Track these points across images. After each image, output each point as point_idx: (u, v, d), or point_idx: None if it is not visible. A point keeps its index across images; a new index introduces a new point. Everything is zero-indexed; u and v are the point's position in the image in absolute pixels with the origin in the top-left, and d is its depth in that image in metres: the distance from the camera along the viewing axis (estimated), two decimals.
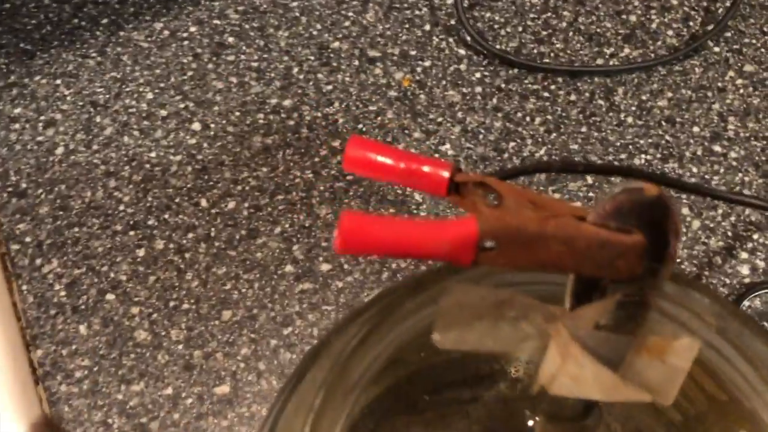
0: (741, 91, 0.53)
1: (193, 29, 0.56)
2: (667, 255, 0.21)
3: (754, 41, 0.56)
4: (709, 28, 0.55)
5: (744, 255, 0.47)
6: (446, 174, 0.22)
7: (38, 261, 0.46)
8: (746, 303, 0.45)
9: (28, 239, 0.47)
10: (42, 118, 0.52)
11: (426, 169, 0.22)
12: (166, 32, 0.55)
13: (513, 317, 0.23)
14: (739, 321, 0.25)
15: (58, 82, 0.53)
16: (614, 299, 0.22)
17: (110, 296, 0.45)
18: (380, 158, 0.22)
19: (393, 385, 0.32)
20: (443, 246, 0.19)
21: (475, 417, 0.33)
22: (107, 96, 0.52)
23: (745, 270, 0.46)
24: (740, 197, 0.44)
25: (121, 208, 0.48)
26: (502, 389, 0.32)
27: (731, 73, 0.54)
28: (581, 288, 0.22)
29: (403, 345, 0.24)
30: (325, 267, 0.46)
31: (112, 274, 0.46)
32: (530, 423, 0.26)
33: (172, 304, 0.45)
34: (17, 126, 0.51)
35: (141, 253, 0.46)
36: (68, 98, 0.52)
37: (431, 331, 0.23)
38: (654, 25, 0.56)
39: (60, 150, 0.50)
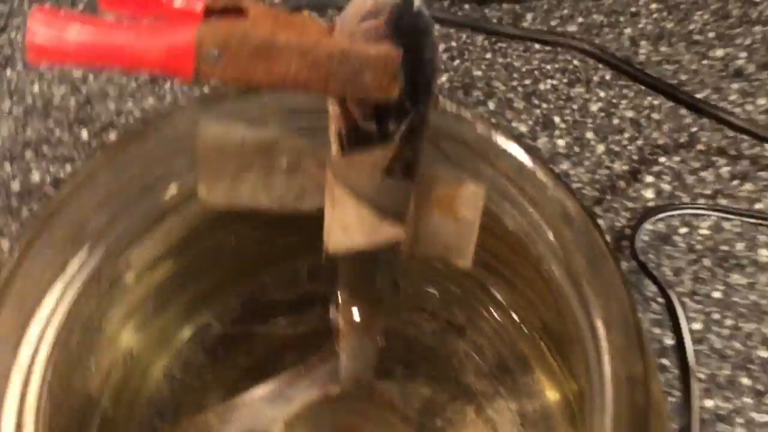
0: (655, 15, 0.51)
1: None
2: (427, 74, 0.18)
3: None
4: None
5: (649, 178, 0.45)
6: (198, 5, 0.19)
7: None
8: (648, 226, 0.43)
9: None
10: None
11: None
12: None
13: (286, 168, 0.20)
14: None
15: None
16: (389, 144, 0.19)
17: None
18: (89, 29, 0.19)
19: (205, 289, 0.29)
20: (156, 54, 0.17)
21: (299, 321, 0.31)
22: None
23: (649, 193, 0.44)
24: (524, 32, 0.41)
25: None
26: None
27: None
28: (351, 126, 0.20)
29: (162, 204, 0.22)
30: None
31: None
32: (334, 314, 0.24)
33: None
34: None
35: (15, 186, 0.44)
36: None
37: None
38: None
39: None
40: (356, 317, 0.22)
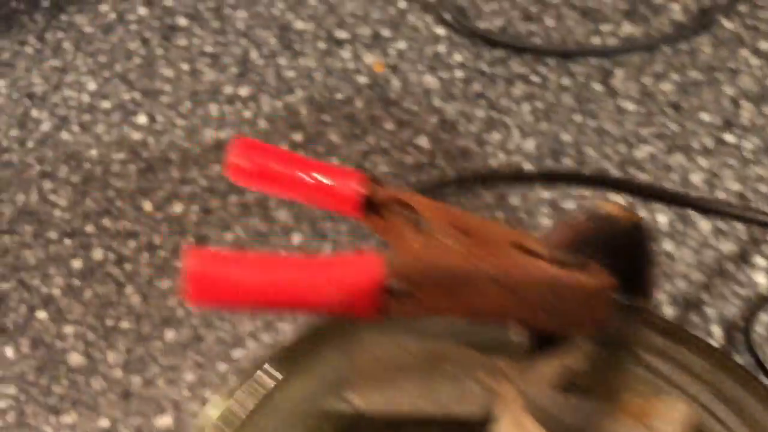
0: (757, 72, 0.47)
1: (142, 11, 0.50)
2: (641, 292, 0.15)
3: None
4: (720, 1, 0.49)
5: (761, 262, 0.41)
6: (357, 189, 0.16)
7: None
8: (764, 317, 0.39)
9: None
10: None
11: (331, 182, 0.16)
12: (113, 15, 0.50)
13: (453, 374, 0.17)
14: (736, 378, 0.20)
15: None
16: (580, 351, 0.16)
17: (42, 314, 0.40)
18: (274, 167, 0.17)
19: None
20: (335, 294, 0.14)
21: None
22: (45, 87, 0.47)
23: (761, 278, 0.41)
24: (729, 208, 0.38)
25: (57, 213, 0.43)
26: None
27: (745, 52, 0.48)
28: (536, 336, 0.17)
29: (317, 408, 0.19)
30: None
31: (44, 289, 0.41)
32: None
33: (109, 322, 0.40)
34: None
35: (77, 264, 0.41)
36: (2, 90, 0.47)
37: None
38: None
39: None
40: None
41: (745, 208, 0.42)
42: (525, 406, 0.17)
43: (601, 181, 0.35)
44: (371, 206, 0.17)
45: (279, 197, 0.16)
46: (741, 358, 0.39)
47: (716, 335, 0.39)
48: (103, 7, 0.50)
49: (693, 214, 0.42)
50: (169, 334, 0.39)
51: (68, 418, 0.38)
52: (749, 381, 0.20)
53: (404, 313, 0.14)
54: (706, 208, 0.42)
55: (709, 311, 0.40)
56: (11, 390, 0.38)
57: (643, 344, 0.19)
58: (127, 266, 0.41)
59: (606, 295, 0.15)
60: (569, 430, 0.18)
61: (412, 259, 0.14)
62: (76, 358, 0.39)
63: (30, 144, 0.45)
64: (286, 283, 0.14)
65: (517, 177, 0.35)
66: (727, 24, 0.49)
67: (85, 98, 0.47)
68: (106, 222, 0.43)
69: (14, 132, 0.46)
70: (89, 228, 0.42)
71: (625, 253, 0.15)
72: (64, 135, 0.45)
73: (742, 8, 0.50)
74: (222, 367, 0.38)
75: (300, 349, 0.20)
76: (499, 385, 0.17)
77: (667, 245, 0.41)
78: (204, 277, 0.13)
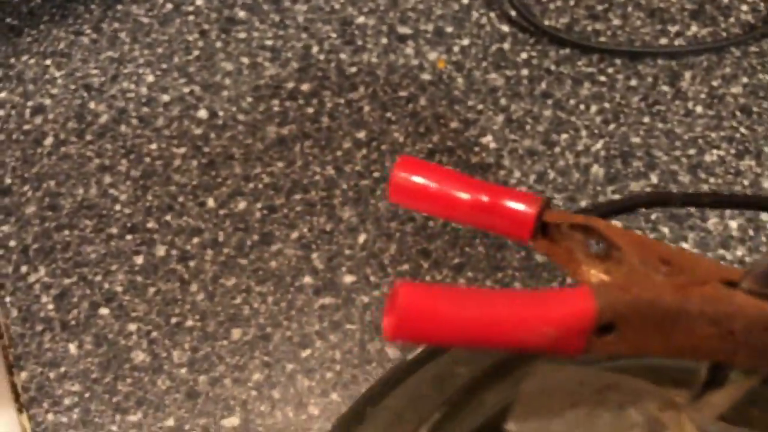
0: None
1: (199, 2, 0.49)
2: None
3: None
4: None
5: None
6: (532, 211, 0.16)
7: (24, 269, 0.41)
8: None
9: (12, 243, 0.41)
10: (29, 103, 0.46)
11: (504, 203, 0.16)
12: (170, 5, 0.49)
13: (617, 403, 0.16)
14: None
15: (48, 62, 0.47)
16: (752, 381, 0.16)
17: (104, 311, 0.40)
18: (439, 188, 0.16)
19: None
20: (543, 331, 0.13)
21: None
22: (102, 78, 0.46)
23: None
24: None
25: (117, 208, 0.42)
26: None
27: None
28: (714, 369, 0.16)
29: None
30: (348, 279, 0.40)
31: (106, 285, 0.40)
32: None
33: (174, 320, 0.39)
34: (1, 113, 0.45)
35: (139, 260, 0.41)
36: (59, 81, 0.46)
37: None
38: (726, 0, 0.49)
39: (49, 140, 0.44)
40: None
41: None
42: None
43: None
44: (543, 229, 0.16)
45: (440, 218, 0.16)
46: None
47: None
48: None
49: (766, 219, 0.42)
50: (236, 333, 0.39)
51: (133, 417, 0.37)
52: None
53: (607, 351, 0.14)
54: None
55: None
56: (76, 387, 0.38)
57: None
58: (191, 263, 0.41)
59: None
60: None
61: (618, 292, 0.14)
62: (140, 356, 0.38)
63: (88, 137, 0.45)
64: (496, 319, 0.13)
65: (688, 201, 0.34)
66: None
67: (144, 90, 0.46)
68: (169, 218, 0.42)
69: (72, 124, 0.45)
70: (151, 224, 0.42)
71: None
72: (123, 128, 0.45)
73: None
74: (289, 366, 0.38)
75: (470, 384, 0.19)
76: (667, 415, 0.17)
77: (739, 250, 0.41)
78: (412, 312, 0.13)
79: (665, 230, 0.41)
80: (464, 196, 0.16)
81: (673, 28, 0.48)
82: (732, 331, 0.14)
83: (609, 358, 0.18)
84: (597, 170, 0.43)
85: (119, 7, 0.49)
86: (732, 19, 0.48)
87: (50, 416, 0.37)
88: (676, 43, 0.47)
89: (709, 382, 0.16)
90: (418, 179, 0.16)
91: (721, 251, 0.41)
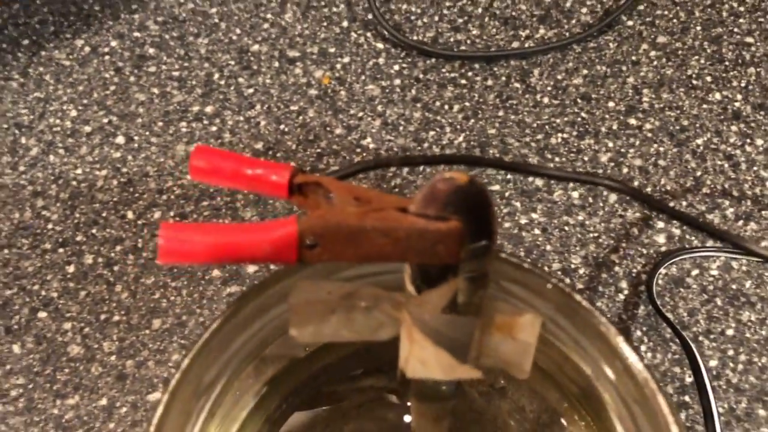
0: (655, 63, 0.54)
1: (113, 43, 0.56)
2: (488, 236, 0.22)
3: (666, 12, 0.57)
4: (622, 2, 0.56)
5: (660, 224, 0.48)
6: (284, 177, 0.23)
7: None
8: (662, 270, 0.46)
9: None
10: None
11: (266, 173, 0.23)
12: (87, 48, 0.56)
13: (365, 307, 0.23)
14: (566, 297, 0.26)
15: None
16: (454, 283, 0.23)
17: (42, 314, 0.46)
18: (224, 166, 0.23)
19: (304, 381, 0.33)
20: (265, 248, 0.20)
21: (376, 415, 0.34)
22: (31, 117, 0.53)
23: (661, 239, 0.47)
24: (560, 173, 0.46)
25: (50, 226, 0.49)
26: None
27: (645, 46, 0.55)
28: (423, 273, 0.23)
29: (268, 341, 0.25)
30: (251, 268, 0.47)
31: (43, 292, 0.47)
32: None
33: (103, 317, 0.46)
34: None
35: (71, 269, 0.47)
36: None
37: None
38: (568, 4, 0.57)
39: None
40: (426, 415, 0.26)
41: (646, 181, 0.49)
42: (417, 325, 0.23)
43: (467, 160, 0.45)
44: (297, 189, 0.23)
45: (228, 188, 0.22)
46: (644, 308, 0.45)
47: (624, 289, 0.46)
48: (79, 42, 0.56)
49: (603, 189, 0.49)
50: (156, 323, 0.45)
51: (72, 401, 0.43)
52: (570, 296, 0.26)
53: (315, 260, 0.21)
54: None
55: (617, 269, 0.46)
56: (20, 380, 0.44)
57: (501, 275, 0.26)
58: (116, 268, 0.47)
59: (456, 236, 0.21)
60: (453, 342, 0.24)
61: (316, 219, 0.21)
62: (75, 349, 0.45)
63: (21, 168, 0.51)
64: (230, 242, 0.20)
65: (404, 162, 0.43)
66: (629, 22, 0.56)
67: (68, 124, 0.53)
68: (94, 231, 0.48)
69: (6, 158, 0.52)
70: (80, 237, 0.48)
71: (472, 207, 0.22)
72: (52, 158, 0.51)
73: (642, 7, 0.57)
74: None
75: (249, 301, 0.26)
76: (399, 313, 0.24)
77: (580, 215, 0.48)
78: (171, 241, 0.20)
79: (517, 204, 0.48)
80: (242, 170, 0.23)
81: (523, 33, 0.56)
82: (398, 239, 0.21)
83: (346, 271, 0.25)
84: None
85: (43, 53, 0.56)
86: (574, 21, 0.56)
87: None
88: (527, 45, 0.55)
89: (424, 283, 0.23)
90: (207, 162, 0.23)
91: (566, 218, 0.48)
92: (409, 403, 0.27)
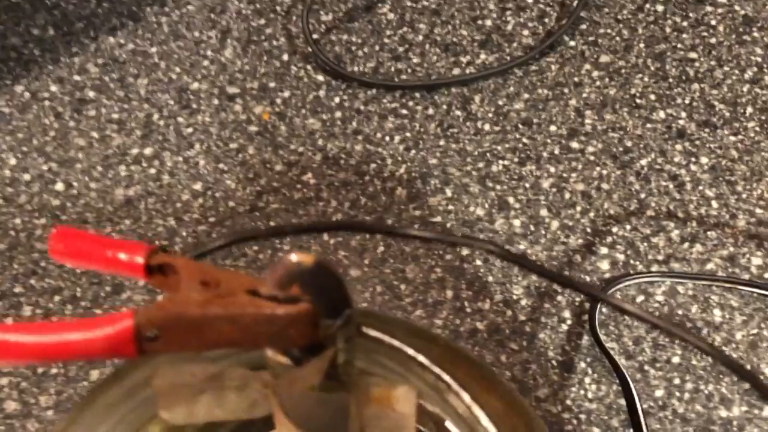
0: (597, 83, 0.54)
1: (54, 88, 0.56)
2: (345, 311, 0.21)
3: (609, 30, 0.56)
4: (564, 22, 0.56)
5: (604, 250, 0.47)
6: (140, 259, 0.22)
7: None
8: (605, 304, 0.45)
9: None
10: None
11: (123, 254, 0.22)
12: (27, 94, 0.56)
13: (236, 386, 0.23)
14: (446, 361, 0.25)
15: None
16: (322, 359, 0.22)
17: None
18: (82, 247, 0.22)
19: None
20: (102, 344, 0.19)
21: None
22: None
23: (605, 265, 0.47)
24: (439, 236, 0.46)
25: None
26: None
27: (587, 66, 0.54)
28: (290, 353, 0.22)
29: (145, 420, 0.25)
30: None
31: None
32: None
33: (40, 370, 0.45)
34: None
35: (8, 321, 0.47)
36: None
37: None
38: (510, 27, 0.57)
39: None
40: None
41: (588, 206, 0.48)
42: (283, 408, 0.22)
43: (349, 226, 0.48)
44: (157, 269, 0.23)
45: (89, 270, 0.21)
46: (588, 338, 0.44)
47: (567, 319, 0.45)
48: (18, 88, 0.56)
49: (544, 215, 0.48)
50: (94, 374, 0.45)
51: None
52: (455, 360, 0.25)
53: (159, 350, 0.20)
54: (555, 210, 0.48)
55: (560, 299, 0.45)
56: None
57: (373, 349, 0.25)
58: (54, 318, 0.47)
59: (307, 317, 0.21)
60: (329, 418, 0.23)
61: (156, 311, 0.20)
62: (12, 405, 0.44)
63: None
64: (62, 342, 0.19)
65: (272, 233, 0.44)
66: (572, 42, 0.56)
67: (7, 173, 0.52)
68: (33, 281, 0.48)
69: None
70: (18, 288, 0.48)
71: (322, 287, 0.21)
72: None
73: (584, 26, 0.56)
74: None
75: (107, 389, 0.25)
76: (267, 393, 0.23)
77: (522, 244, 0.47)
78: None
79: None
80: (101, 252, 0.22)
81: (464, 59, 0.55)
82: (246, 326, 0.20)
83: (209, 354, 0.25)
84: (401, 192, 0.50)
85: None
86: (515, 44, 0.56)
87: None
88: (467, 71, 0.54)
89: (298, 360, 0.22)
90: (66, 245, 0.22)
91: (507, 246, 0.47)
92: None
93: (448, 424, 0.24)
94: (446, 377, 0.24)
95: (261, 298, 0.21)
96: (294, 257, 0.20)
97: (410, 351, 0.24)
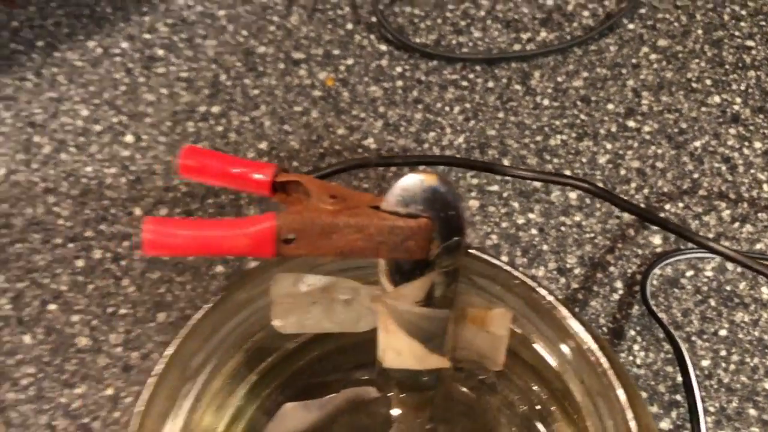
0: (655, 65, 0.55)
1: (124, 45, 0.58)
2: (458, 233, 0.23)
3: (667, 16, 0.57)
4: (623, 5, 0.57)
5: (656, 226, 0.48)
6: (268, 176, 0.24)
7: None
8: (657, 271, 0.47)
9: None
10: None
11: (251, 172, 0.24)
12: (99, 50, 0.58)
13: (344, 300, 0.25)
14: (530, 291, 0.27)
15: None
16: (428, 278, 0.24)
17: (52, 306, 0.48)
18: (211, 164, 0.24)
19: (295, 372, 0.34)
20: (245, 242, 0.21)
21: (360, 408, 0.35)
22: (45, 116, 0.55)
23: (657, 240, 0.48)
24: (532, 173, 0.46)
25: (61, 222, 0.50)
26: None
27: (645, 49, 0.56)
28: (398, 269, 0.24)
29: (250, 332, 0.26)
30: (253, 264, 0.48)
31: (53, 286, 0.48)
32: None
33: (110, 310, 0.47)
34: None
35: (80, 263, 0.49)
36: (8, 120, 0.55)
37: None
38: (570, 7, 0.58)
39: (1, 171, 0.53)
40: (407, 404, 0.27)
41: (643, 183, 0.50)
42: (392, 317, 0.24)
43: (444, 161, 0.47)
44: (279, 187, 0.24)
45: (216, 186, 0.23)
46: (638, 308, 0.46)
47: (618, 289, 0.46)
48: (91, 44, 0.58)
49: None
50: (161, 316, 0.47)
51: (79, 390, 0.45)
52: (534, 292, 0.27)
53: (292, 254, 0.22)
54: (610, 185, 0.50)
55: (612, 269, 0.47)
56: (31, 369, 0.46)
57: (473, 271, 0.27)
58: (123, 263, 0.49)
59: (425, 232, 0.22)
60: (428, 333, 0.25)
61: (294, 215, 0.22)
62: (83, 341, 0.46)
63: (34, 165, 0.53)
64: (211, 236, 0.21)
65: (381, 163, 0.45)
66: (630, 25, 0.57)
67: (80, 123, 0.54)
68: (103, 227, 0.50)
69: (20, 156, 0.53)
70: (89, 233, 0.50)
71: (440, 205, 0.23)
72: (63, 156, 0.53)
73: (643, 11, 0.57)
74: None
75: (233, 292, 0.27)
76: (376, 305, 0.25)
77: (577, 216, 0.49)
78: (155, 234, 0.21)
79: (515, 204, 0.49)
80: (228, 169, 0.24)
81: (525, 36, 0.56)
82: (370, 235, 0.22)
83: (322, 265, 0.26)
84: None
85: (56, 54, 0.57)
86: (575, 24, 0.57)
87: (10, 395, 0.45)
88: (528, 48, 0.56)
89: (400, 277, 0.24)
90: (195, 161, 0.24)
91: (563, 218, 0.49)
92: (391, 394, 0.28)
93: (537, 346, 0.26)
94: (550, 297, 0.25)
95: (382, 212, 0.22)
96: (417, 174, 0.22)
97: (515, 272, 0.26)
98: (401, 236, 0.22)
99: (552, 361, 0.27)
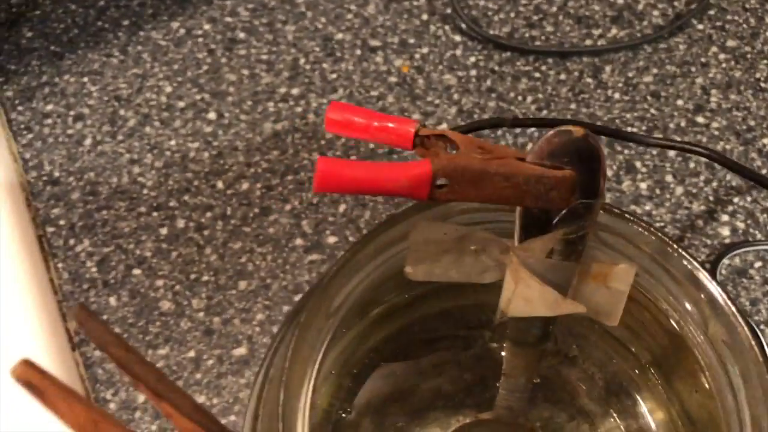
0: (723, 65, 0.56)
1: (206, 27, 0.60)
2: (597, 190, 0.24)
3: (736, 17, 0.58)
4: (693, 6, 0.58)
5: (725, 217, 0.50)
6: (412, 129, 0.26)
7: (71, 241, 0.51)
8: (726, 261, 0.48)
9: (62, 222, 0.51)
10: (71, 113, 0.56)
11: (394, 126, 0.26)
12: (182, 30, 0.60)
13: (474, 251, 0.26)
14: (664, 244, 0.28)
15: (85, 80, 0.58)
16: (559, 232, 0.25)
17: (137, 271, 0.50)
18: (356, 119, 0.26)
19: (390, 334, 0.36)
20: (403, 183, 0.23)
21: (466, 364, 0.37)
22: (130, 91, 0.57)
23: (725, 231, 0.49)
24: (657, 140, 0.48)
25: (145, 191, 0.52)
26: (486, 335, 0.36)
27: (714, 49, 0.57)
28: (530, 223, 0.25)
29: (382, 279, 0.28)
30: (331, 239, 0.50)
31: (138, 251, 0.50)
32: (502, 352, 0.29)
33: (193, 276, 0.49)
34: (49, 121, 0.56)
35: (164, 231, 0.51)
36: (94, 94, 0.57)
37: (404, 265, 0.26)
38: (640, 6, 0.59)
39: (88, 141, 0.55)
40: (519, 358, 0.28)
41: (711, 176, 0.51)
42: (521, 265, 0.26)
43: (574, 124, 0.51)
44: (419, 142, 0.26)
45: (360, 139, 0.24)
46: None
47: None
48: (174, 24, 0.60)
49: (669, 180, 0.51)
50: (242, 284, 0.49)
51: (162, 351, 0.47)
52: (669, 247, 0.28)
53: (443, 199, 0.23)
54: (680, 177, 0.51)
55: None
56: (116, 330, 0.47)
57: (599, 225, 0.28)
58: (206, 232, 0.50)
59: (569, 183, 0.24)
60: (554, 286, 0.26)
61: (447, 161, 0.23)
62: (166, 305, 0.48)
63: (120, 137, 0.55)
64: (374, 177, 0.23)
65: (515, 123, 0.47)
66: (699, 26, 0.58)
67: (163, 99, 0.56)
68: (186, 198, 0.52)
69: (106, 128, 0.55)
70: (172, 203, 0.52)
71: (584, 159, 0.24)
72: (148, 129, 0.55)
73: (712, 12, 0.59)
74: (285, 308, 0.47)
75: (376, 236, 0.29)
76: (506, 257, 0.26)
77: (648, 206, 0.50)
78: (325, 173, 0.22)
79: None
80: (372, 123, 0.26)
81: (596, 31, 0.58)
82: (517, 184, 0.24)
83: (461, 214, 0.28)
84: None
85: (141, 33, 0.60)
86: (645, 23, 0.58)
87: (96, 353, 0.47)
88: (599, 43, 0.57)
89: (530, 231, 0.26)
90: (341, 116, 0.26)
91: (633, 207, 0.50)
92: (503, 353, 0.29)
93: (663, 304, 0.27)
94: (681, 249, 0.27)
95: (528, 163, 0.24)
96: (565, 128, 0.23)
97: (643, 222, 0.27)
98: (547, 186, 0.23)
99: (673, 313, 0.28)
